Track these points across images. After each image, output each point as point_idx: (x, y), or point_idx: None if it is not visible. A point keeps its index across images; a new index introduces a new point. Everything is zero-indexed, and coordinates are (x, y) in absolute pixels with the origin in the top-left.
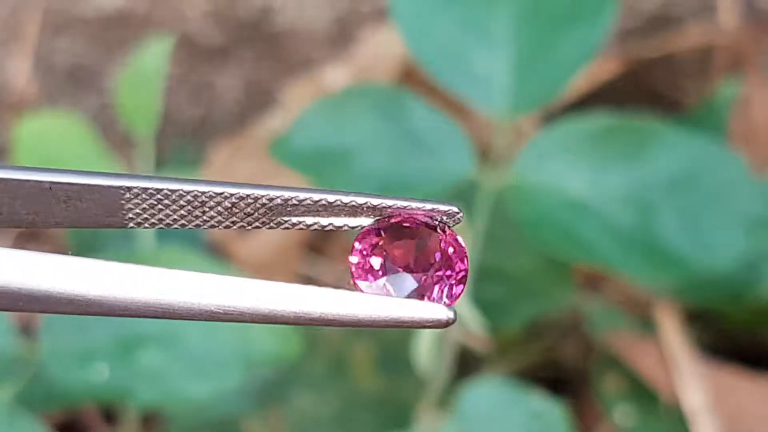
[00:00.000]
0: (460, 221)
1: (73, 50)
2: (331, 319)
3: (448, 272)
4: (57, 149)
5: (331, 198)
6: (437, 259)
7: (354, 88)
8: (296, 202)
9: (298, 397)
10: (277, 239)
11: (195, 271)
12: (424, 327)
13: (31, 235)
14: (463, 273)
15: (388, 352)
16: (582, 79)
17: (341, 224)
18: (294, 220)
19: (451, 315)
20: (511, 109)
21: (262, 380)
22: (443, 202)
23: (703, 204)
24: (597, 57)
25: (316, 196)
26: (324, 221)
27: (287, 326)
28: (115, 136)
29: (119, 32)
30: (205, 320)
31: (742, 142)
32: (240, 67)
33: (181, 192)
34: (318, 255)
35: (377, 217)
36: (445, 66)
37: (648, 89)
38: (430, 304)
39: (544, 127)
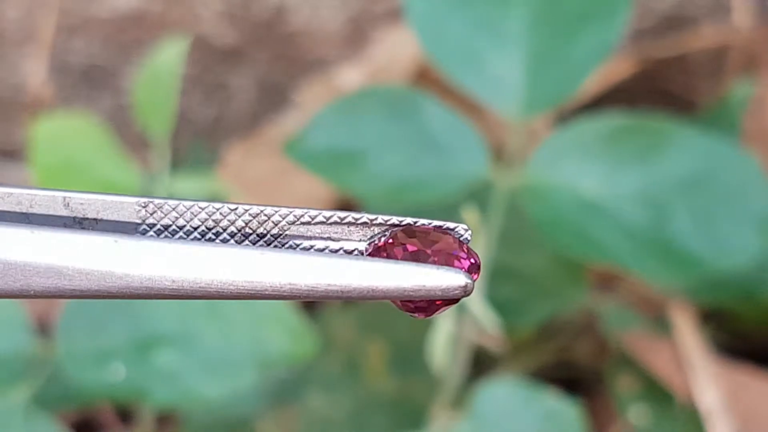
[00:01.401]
0: (468, 241)
1: (89, 51)
2: (349, 291)
3: (463, 263)
4: (72, 150)
5: (342, 215)
6: (450, 245)
7: (368, 88)
8: (308, 219)
9: (312, 398)
10: None
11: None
12: (443, 296)
13: None
14: (476, 264)
15: (402, 352)
16: (596, 80)
17: (351, 249)
18: (305, 244)
19: (469, 281)
20: (525, 109)
21: (275, 380)
22: (451, 221)
23: (717, 204)
24: (611, 57)
25: (327, 213)
26: (335, 246)
27: (302, 325)
28: (130, 137)
29: (134, 33)
30: (227, 298)
31: (755, 143)
32: (254, 67)
33: (196, 208)
34: None
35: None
36: (459, 66)
37: (661, 89)
38: (448, 269)
39: (557, 127)
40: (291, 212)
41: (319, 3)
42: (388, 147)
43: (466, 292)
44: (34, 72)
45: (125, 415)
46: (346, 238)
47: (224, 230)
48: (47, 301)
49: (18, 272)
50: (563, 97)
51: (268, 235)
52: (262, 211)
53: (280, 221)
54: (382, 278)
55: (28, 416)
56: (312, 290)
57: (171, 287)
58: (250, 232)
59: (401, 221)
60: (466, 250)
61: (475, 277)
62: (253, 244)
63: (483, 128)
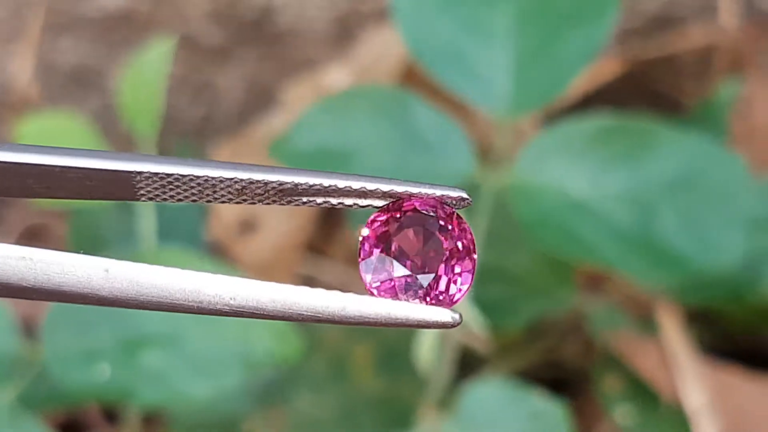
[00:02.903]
0: (470, 205)
1: (76, 50)
2: (338, 318)
3: (456, 265)
4: None
5: (341, 184)
6: (445, 252)
7: (355, 88)
8: (306, 187)
9: (299, 398)
10: (278, 240)
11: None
12: (431, 328)
13: (34, 235)
14: (471, 266)
15: (389, 353)
16: (583, 80)
17: (351, 203)
18: (304, 199)
19: (456, 317)
20: (511, 109)
21: (262, 380)
22: (452, 187)
23: (704, 204)
24: (598, 57)
25: (326, 182)
26: (334, 200)
27: (288, 327)
28: (117, 136)
29: (121, 32)
30: (213, 315)
31: (742, 143)
32: (241, 67)
33: (191, 176)
34: (319, 255)
35: (387, 201)
36: (446, 66)
37: (649, 90)
38: (435, 308)
39: (544, 127)
40: (290, 180)
41: (306, 3)
42: (375, 147)
43: (454, 325)
44: (21, 71)
45: (111, 415)
46: (345, 196)
47: (221, 190)
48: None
49: (11, 290)
50: (550, 97)
51: (266, 194)
52: (260, 180)
53: (277, 188)
54: (373, 313)
55: (13, 417)
56: (306, 315)
57: (161, 305)
58: (248, 192)
59: (401, 191)
60: (458, 236)
61: (469, 281)
62: (251, 199)
63: (470, 128)
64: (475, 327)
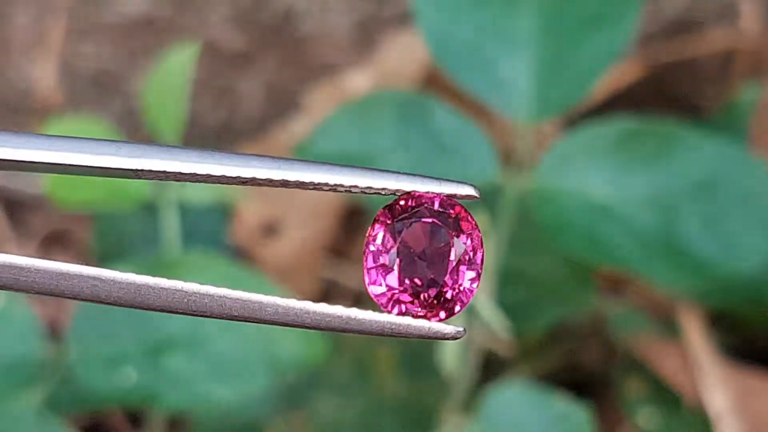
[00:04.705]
0: (479, 198)
1: (98, 56)
2: (341, 330)
3: (464, 264)
4: None
5: (347, 182)
6: (453, 251)
7: (377, 92)
8: (312, 185)
9: (322, 401)
10: (300, 243)
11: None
12: (434, 339)
13: (57, 240)
14: (479, 264)
15: (412, 356)
16: (604, 84)
17: (358, 191)
18: (310, 186)
19: (460, 330)
20: (534, 113)
21: (286, 384)
22: (460, 183)
23: (726, 208)
24: (619, 61)
25: (332, 180)
26: (342, 189)
27: (312, 331)
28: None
29: (143, 38)
30: (228, 320)
31: (763, 146)
32: (263, 71)
33: (194, 173)
34: (341, 259)
35: (396, 195)
36: (468, 70)
37: (670, 93)
38: (436, 324)
39: (566, 131)
40: (296, 179)
41: (327, 8)
42: (397, 151)
43: (457, 337)
44: (44, 77)
45: (136, 419)
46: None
47: (226, 182)
48: (58, 305)
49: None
50: (572, 101)
51: (273, 183)
52: (265, 178)
53: (283, 183)
54: (378, 325)
55: (39, 420)
56: (317, 323)
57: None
58: (253, 183)
59: (409, 190)
60: (465, 224)
61: (475, 286)
62: (258, 186)
63: (492, 132)
64: (498, 330)
